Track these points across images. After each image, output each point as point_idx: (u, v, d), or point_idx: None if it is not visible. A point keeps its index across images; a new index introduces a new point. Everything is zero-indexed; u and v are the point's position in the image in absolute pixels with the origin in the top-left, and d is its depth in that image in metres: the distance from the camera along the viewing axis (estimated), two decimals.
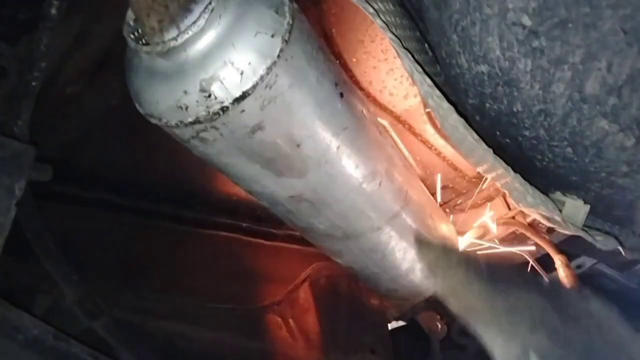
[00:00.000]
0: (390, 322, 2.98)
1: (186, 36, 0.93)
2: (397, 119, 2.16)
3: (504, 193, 1.42)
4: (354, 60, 2.01)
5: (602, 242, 1.39)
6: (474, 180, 2.29)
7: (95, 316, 1.65)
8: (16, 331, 1.30)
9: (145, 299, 1.95)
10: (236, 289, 2.32)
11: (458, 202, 2.39)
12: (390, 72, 2.03)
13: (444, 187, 2.45)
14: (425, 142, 2.23)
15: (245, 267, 2.42)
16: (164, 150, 1.93)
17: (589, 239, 1.36)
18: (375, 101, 2.12)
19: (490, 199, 2.28)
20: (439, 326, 3.01)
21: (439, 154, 2.24)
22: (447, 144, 2.12)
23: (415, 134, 2.21)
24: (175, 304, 2.04)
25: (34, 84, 1.33)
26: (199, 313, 2.11)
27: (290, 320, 2.45)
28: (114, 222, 1.98)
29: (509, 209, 2.23)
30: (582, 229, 1.35)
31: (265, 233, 2.46)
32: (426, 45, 1.43)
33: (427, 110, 2.04)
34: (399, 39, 1.19)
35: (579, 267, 2.51)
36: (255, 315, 2.35)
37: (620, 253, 1.45)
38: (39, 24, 1.30)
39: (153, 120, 1.05)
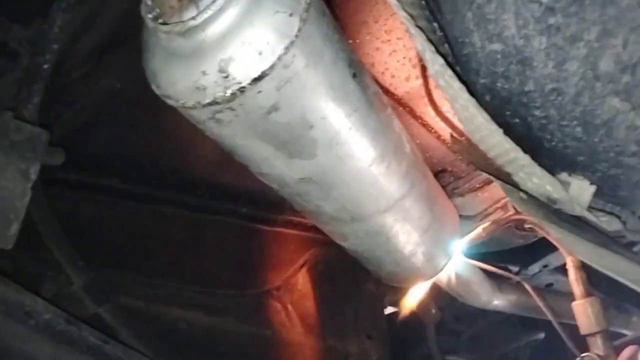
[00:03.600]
0: (386, 308, 2.99)
1: (205, 15, 0.92)
2: (398, 101, 2.15)
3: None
4: (357, 41, 1.99)
5: (606, 222, 1.40)
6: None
7: (102, 302, 1.66)
8: (28, 316, 1.30)
9: (148, 284, 1.96)
10: (236, 274, 2.33)
11: (457, 185, 2.40)
12: (393, 54, 2.01)
13: (442, 171, 2.46)
14: (425, 124, 2.22)
15: (245, 252, 2.43)
16: (167, 135, 1.94)
17: (593, 219, 1.37)
18: (377, 83, 2.11)
19: (488, 182, 2.28)
20: (433, 311, 3.02)
21: (438, 137, 2.23)
22: (447, 126, 2.12)
23: (415, 117, 2.20)
24: (177, 290, 2.05)
25: (45, 66, 1.31)
26: (200, 298, 2.13)
27: (289, 306, 2.47)
28: (117, 207, 1.97)
29: None
30: (587, 210, 1.36)
31: (265, 218, 2.46)
32: (435, 24, 1.43)
33: (429, 91, 2.03)
34: (412, 17, 1.19)
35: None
36: (255, 301, 2.37)
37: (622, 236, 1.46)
38: (52, 6, 1.29)
39: (170, 102, 1.04)
